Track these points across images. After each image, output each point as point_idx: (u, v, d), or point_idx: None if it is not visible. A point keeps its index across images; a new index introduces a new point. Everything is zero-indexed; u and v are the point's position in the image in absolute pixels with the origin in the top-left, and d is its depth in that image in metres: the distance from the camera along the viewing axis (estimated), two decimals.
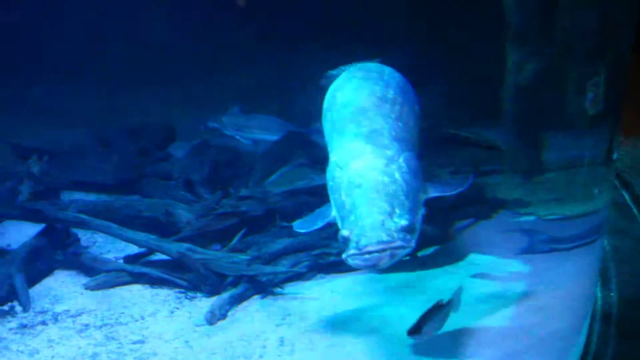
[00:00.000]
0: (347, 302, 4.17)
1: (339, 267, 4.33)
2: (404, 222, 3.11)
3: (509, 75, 5.20)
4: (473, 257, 4.60)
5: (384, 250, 3.02)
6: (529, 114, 5.16)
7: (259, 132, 5.90)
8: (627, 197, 4.92)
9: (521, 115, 5.20)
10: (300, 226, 3.79)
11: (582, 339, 3.55)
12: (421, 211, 3.38)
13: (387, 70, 4.14)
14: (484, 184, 5.31)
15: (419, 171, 3.49)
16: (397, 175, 3.31)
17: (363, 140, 3.51)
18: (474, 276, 4.37)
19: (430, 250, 4.68)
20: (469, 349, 3.60)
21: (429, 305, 3.40)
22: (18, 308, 4.25)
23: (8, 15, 6.11)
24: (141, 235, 4.62)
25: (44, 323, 4.10)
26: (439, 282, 4.34)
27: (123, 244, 4.77)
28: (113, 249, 4.89)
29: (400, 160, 3.40)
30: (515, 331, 3.82)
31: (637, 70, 4.00)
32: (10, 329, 4.03)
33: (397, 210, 3.15)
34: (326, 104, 4.02)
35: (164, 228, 4.82)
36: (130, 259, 4.68)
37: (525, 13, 5.06)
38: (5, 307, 4.25)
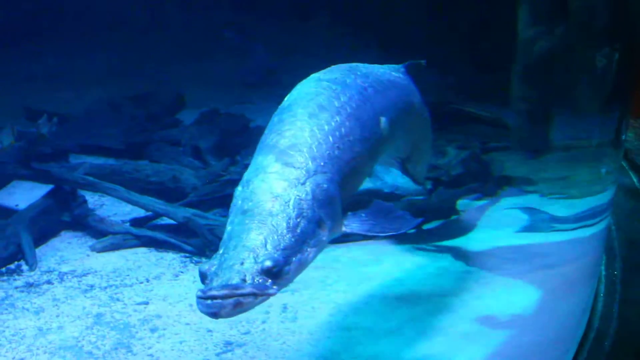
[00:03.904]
0: (349, 271, 4.19)
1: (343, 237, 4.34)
2: (267, 264, 2.57)
3: (518, 54, 5.20)
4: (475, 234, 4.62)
5: (227, 296, 2.48)
6: (537, 93, 5.17)
7: None
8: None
9: (530, 93, 5.21)
10: None
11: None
12: (313, 249, 2.78)
13: (360, 72, 3.41)
14: (491, 160, 5.32)
15: (331, 199, 2.89)
16: (292, 202, 2.78)
17: (274, 156, 2.93)
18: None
19: (434, 224, 4.71)
20: None
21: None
22: (25, 267, 4.29)
23: None
24: (148, 199, 4.66)
25: (49, 282, 4.13)
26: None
27: (129, 207, 4.80)
28: (120, 212, 4.92)
29: (307, 184, 2.84)
30: None
31: None
32: (17, 287, 4.07)
33: (269, 247, 2.62)
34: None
35: (171, 193, 4.86)
36: (136, 222, 4.71)
37: None
38: (12, 266, 4.29)
